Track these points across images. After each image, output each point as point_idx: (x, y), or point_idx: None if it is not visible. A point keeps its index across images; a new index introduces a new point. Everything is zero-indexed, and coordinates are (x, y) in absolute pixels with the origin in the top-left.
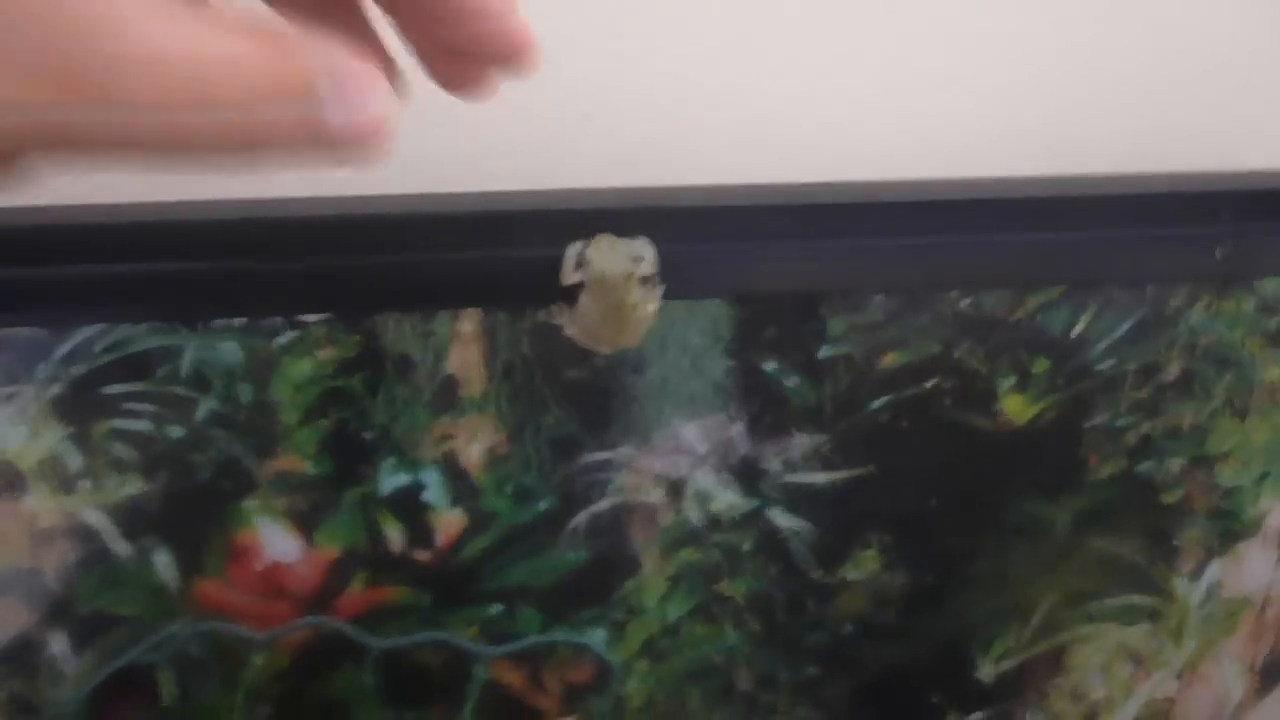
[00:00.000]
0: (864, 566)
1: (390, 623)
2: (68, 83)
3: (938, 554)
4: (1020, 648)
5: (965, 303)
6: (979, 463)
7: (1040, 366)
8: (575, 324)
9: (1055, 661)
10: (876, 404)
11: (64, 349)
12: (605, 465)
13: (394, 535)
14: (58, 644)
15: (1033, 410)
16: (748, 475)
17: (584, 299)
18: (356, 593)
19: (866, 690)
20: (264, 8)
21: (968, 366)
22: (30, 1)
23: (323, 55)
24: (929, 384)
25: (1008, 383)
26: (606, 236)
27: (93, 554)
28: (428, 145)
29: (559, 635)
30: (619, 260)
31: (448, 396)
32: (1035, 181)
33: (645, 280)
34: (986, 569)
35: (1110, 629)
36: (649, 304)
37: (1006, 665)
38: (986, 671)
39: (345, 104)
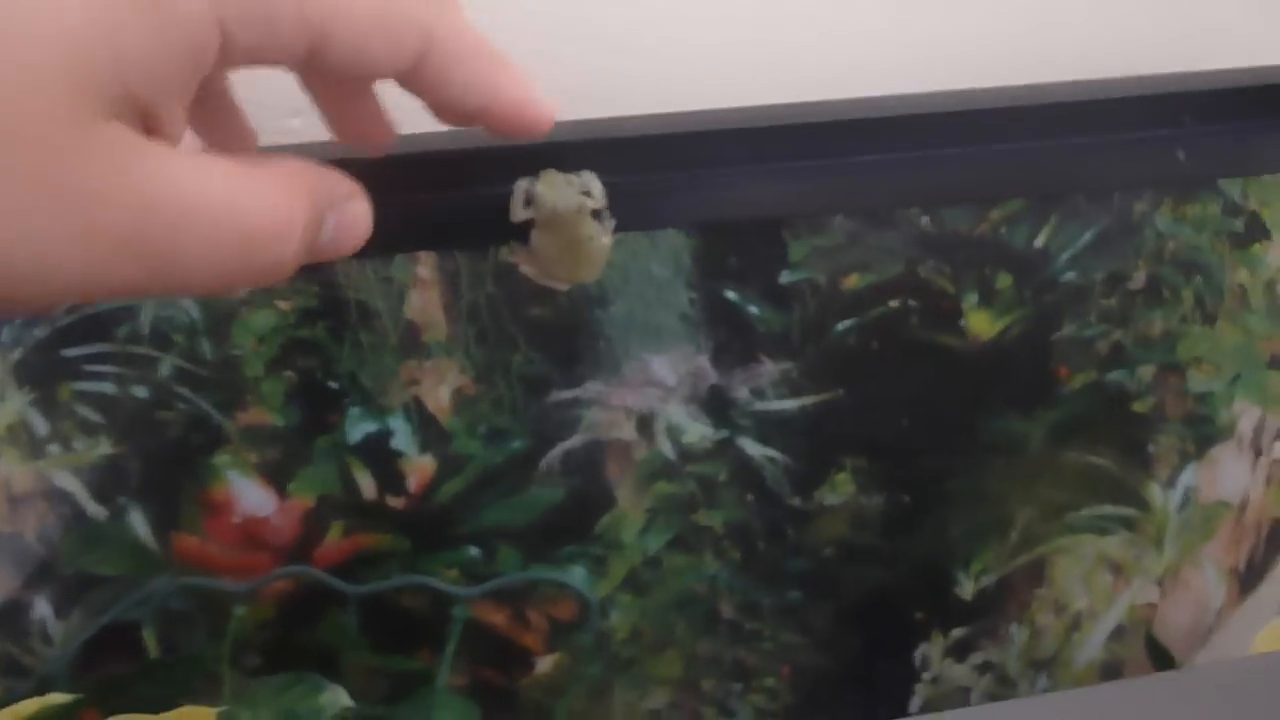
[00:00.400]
0: (840, 490)
1: (370, 569)
2: (142, 258)
3: (913, 474)
4: (1000, 563)
5: (926, 220)
6: (949, 381)
7: (1004, 281)
8: (531, 262)
9: (1035, 574)
10: (842, 327)
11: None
12: (575, 402)
13: (367, 483)
14: (42, 606)
15: (999, 325)
16: (718, 405)
17: (536, 236)
18: (334, 541)
19: (849, 613)
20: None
21: (932, 285)
22: (112, 191)
23: (328, 187)
24: (894, 304)
25: (973, 299)
26: (552, 171)
27: (69, 516)
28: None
29: (539, 573)
30: (568, 194)
31: (412, 341)
32: (992, 93)
33: (597, 213)
34: (962, 486)
35: (1089, 539)
36: (603, 237)
37: (987, 581)
38: (967, 588)
39: (343, 231)
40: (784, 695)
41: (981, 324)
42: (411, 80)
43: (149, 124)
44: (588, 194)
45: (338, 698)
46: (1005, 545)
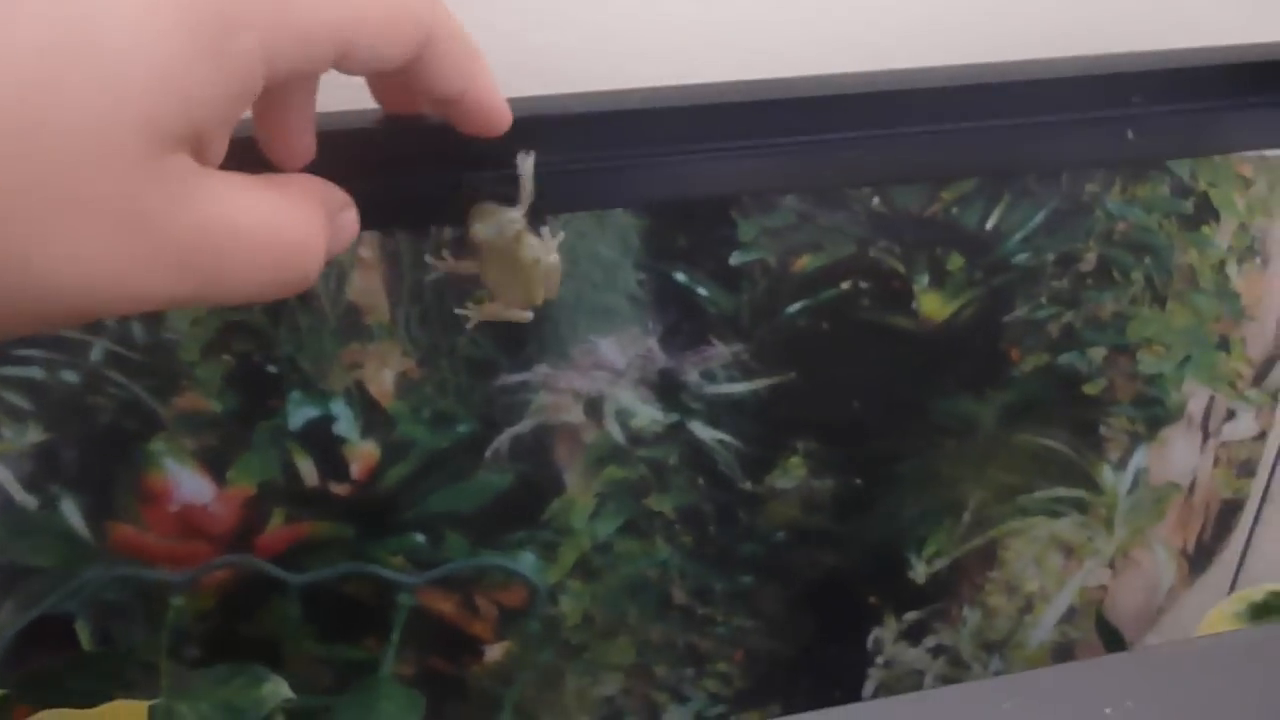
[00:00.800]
0: (792, 474)
1: (313, 557)
2: (195, 275)
3: (865, 457)
4: (952, 545)
5: (877, 200)
6: (901, 363)
7: (956, 262)
8: (485, 307)
9: (988, 556)
10: (793, 309)
11: None
12: (523, 386)
13: (309, 469)
14: None
15: (951, 307)
16: (668, 388)
17: (484, 273)
18: (276, 529)
19: (802, 597)
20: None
21: (883, 266)
22: (174, 217)
23: (333, 199)
24: (845, 286)
25: (924, 280)
26: (483, 205)
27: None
28: None
29: (487, 560)
30: (502, 224)
31: (353, 323)
32: (943, 72)
33: (536, 234)
34: (915, 469)
35: (1041, 521)
36: (548, 255)
37: (940, 564)
38: (920, 570)
39: (339, 237)
40: (737, 680)
41: (933, 305)
42: (405, 70)
43: (201, 151)
44: (514, 221)
45: (279, 689)
46: (957, 528)
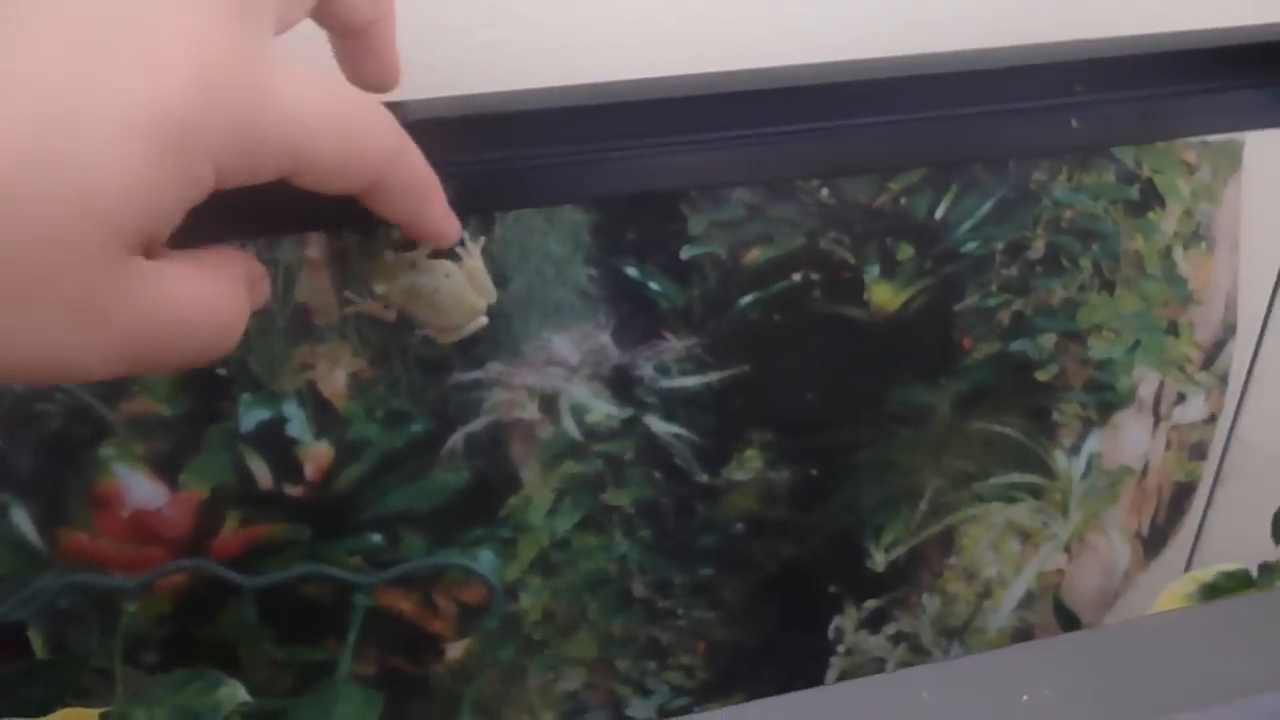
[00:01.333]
0: (748, 466)
1: (270, 560)
2: (135, 356)
3: (821, 448)
4: (910, 533)
5: (826, 192)
6: (853, 353)
7: (906, 252)
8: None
9: (945, 544)
10: (745, 301)
11: None
12: (476, 384)
13: (262, 471)
14: None
15: (901, 297)
16: (622, 383)
17: (406, 310)
18: (230, 532)
19: (762, 588)
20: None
21: (834, 257)
22: (125, 310)
23: (253, 271)
24: (796, 277)
25: (875, 271)
26: (380, 260)
27: None
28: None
29: (445, 558)
30: (406, 272)
31: (303, 325)
32: (889, 63)
33: (451, 256)
34: (871, 458)
35: (997, 508)
36: (468, 260)
37: (898, 552)
38: (879, 559)
39: (255, 305)
40: (700, 671)
41: (884, 295)
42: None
43: (152, 248)
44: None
45: (236, 693)
46: (915, 516)
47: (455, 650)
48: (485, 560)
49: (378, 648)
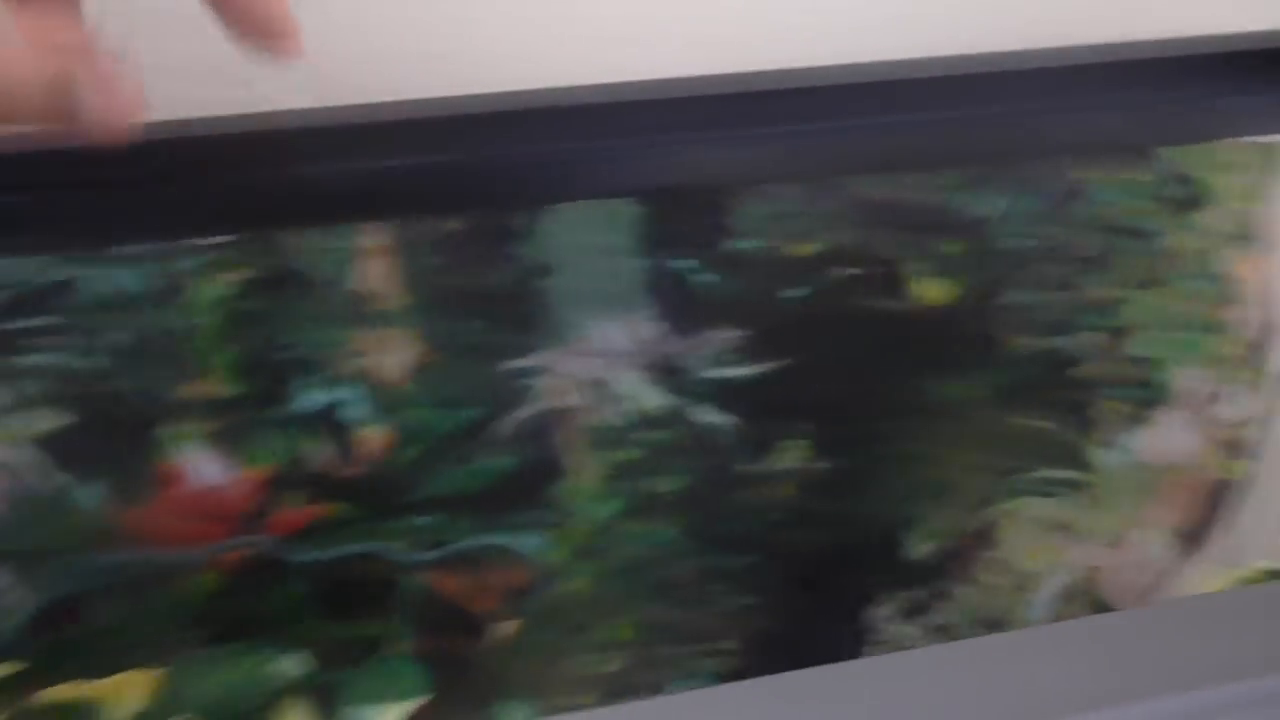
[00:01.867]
0: (790, 456)
1: (323, 538)
2: None
3: (861, 439)
4: (948, 526)
5: (874, 188)
6: (895, 347)
7: (951, 248)
8: None
9: (983, 537)
10: (790, 294)
11: None
12: (525, 371)
13: (318, 452)
14: None
15: (945, 292)
16: (668, 373)
17: None
18: (287, 511)
19: (800, 575)
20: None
21: (879, 252)
22: None
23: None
24: (842, 272)
25: (920, 266)
26: None
27: (17, 490)
28: (331, 55)
29: (491, 540)
30: None
31: (360, 310)
32: (936, 61)
33: None
34: (911, 451)
35: (1035, 502)
36: None
37: (935, 544)
38: (916, 550)
39: (97, 102)
40: (737, 657)
41: (928, 290)
42: None
43: None
44: None
45: (290, 666)
46: (953, 508)
47: (499, 631)
48: (531, 543)
49: (426, 626)
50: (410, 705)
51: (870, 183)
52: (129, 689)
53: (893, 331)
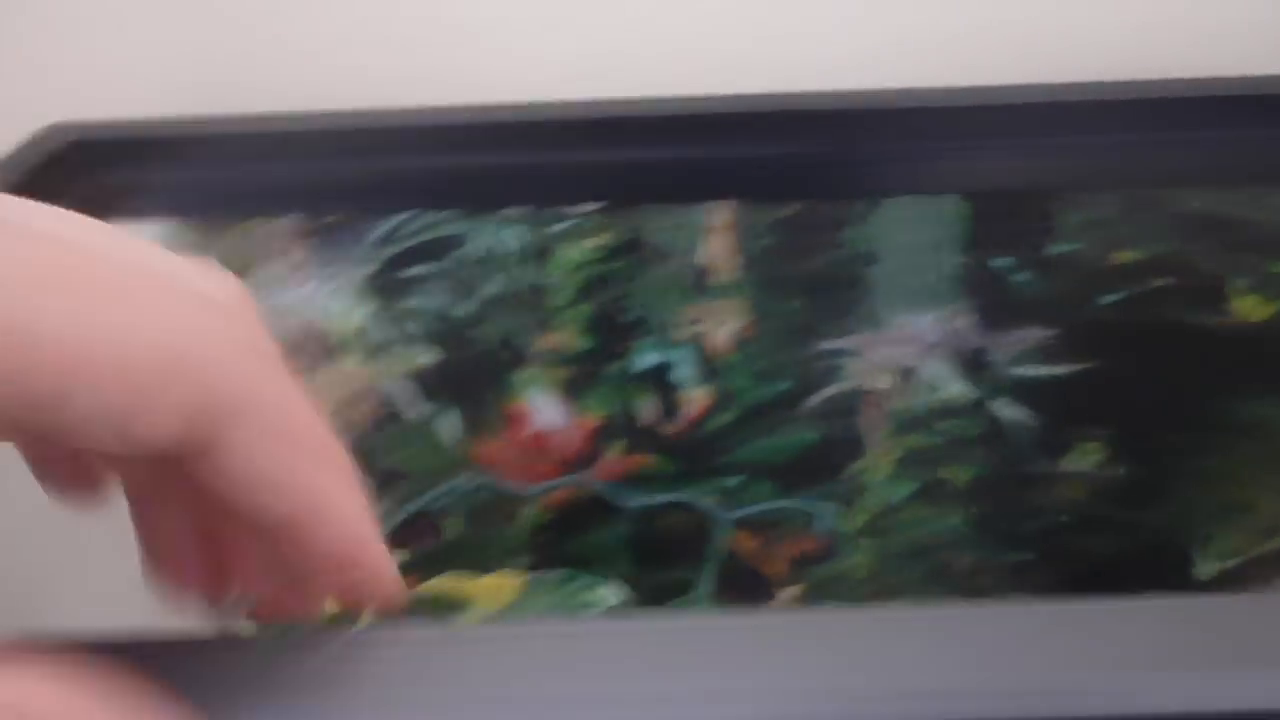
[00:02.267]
0: (1085, 459)
1: (642, 486)
2: None
3: (1161, 450)
4: (1241, 547)
5: (1200, 201)
6: (1208, 361)
7: (1277, 267)
8: None
9: (1277, 563)
10: (1105, 300)
11: (376, 234)
12: (840, 352)
13: (647, 408)
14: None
15: (1267, 310)
16: (975, 366)
17: None
18: (612, 458)
19: (1079, 580)
20: None
21: (1201, 266)
22: None
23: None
24: (1159, 282)
25: (1242, 282)
26: None
27: (388, 416)
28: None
29: (790, 506)
30: None
31: (700, 283)
32: (1268, 80)
33: None
34: (1210, 467)
35: None
36: None
37: (1227, 564)
38: (1205, 569)
39: None
40: None
41: (1248, 308)
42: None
43: None
44: None
45: (612, 595)
46: (1248, 530)
47: (786, 595)
48: (824, 516)
49: (723, 579)
50: None
51: (1197, 196)
52: (498, 590)
53: (1206, 345)
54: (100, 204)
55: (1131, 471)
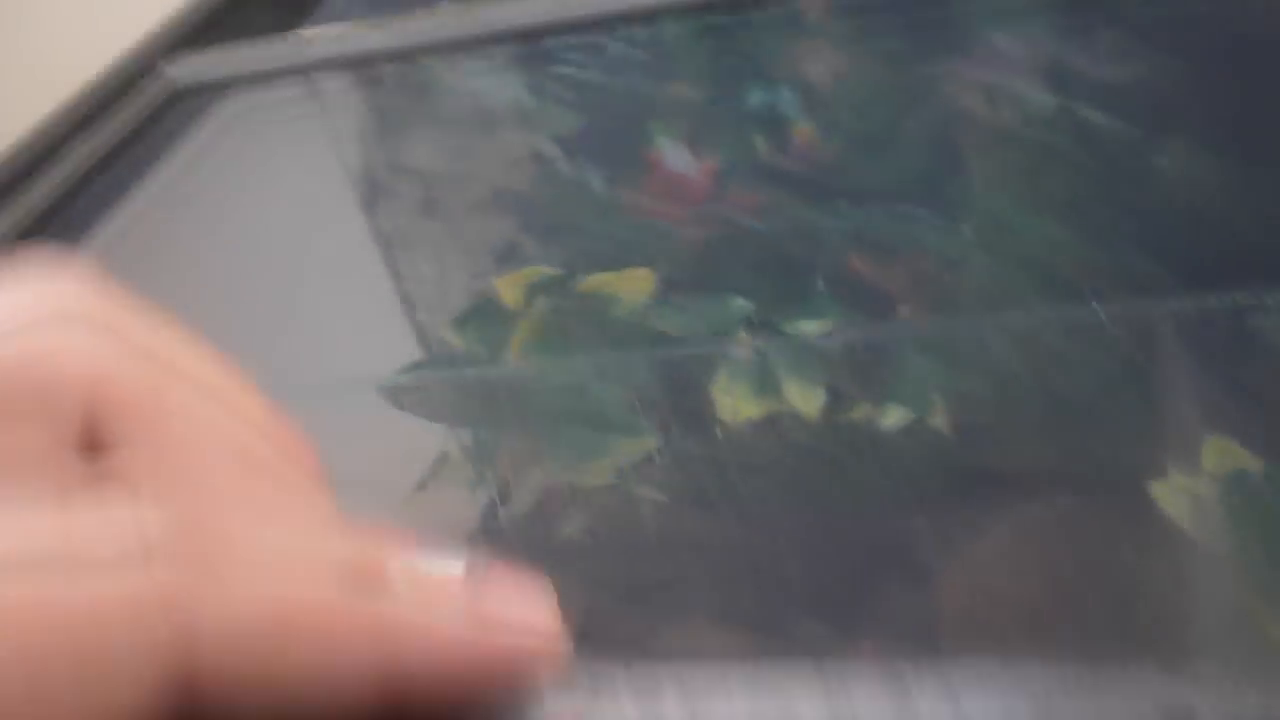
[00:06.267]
0: (1180, 161)
1: (765, 216)
2: None
3: (1252, 146)
4: None
5: None
6: None
7: None
8: None
9: None
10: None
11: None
12: (934, 76)
13: (763, 145)
14: (532, 246)
15: None
16: (1062, 78)
17: None
18: (734, 194)
19: (1190, 276)
20: None
21: None
22: None
23: None
24: None
25: None
26: None
27: (548, 174)
28: None
29: (901, 226)
30: None
31: (800, 23)
32: None
33: None
34: None
35: None
36: None
37: None
38: None
39: None
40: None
41: None
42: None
43: None
44: None
45: (745, 307)
46: None
47: (904, 311)
48: (933, 235)
49: (842, 299)
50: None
51: None
52: (636, 281)
53: None
54: None
55: (1226, 167)
